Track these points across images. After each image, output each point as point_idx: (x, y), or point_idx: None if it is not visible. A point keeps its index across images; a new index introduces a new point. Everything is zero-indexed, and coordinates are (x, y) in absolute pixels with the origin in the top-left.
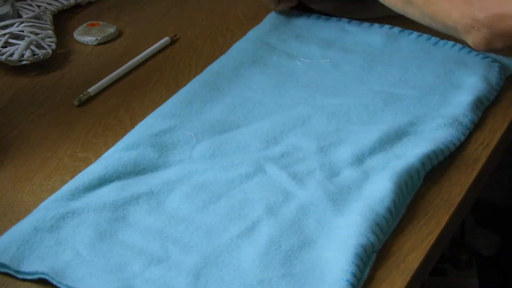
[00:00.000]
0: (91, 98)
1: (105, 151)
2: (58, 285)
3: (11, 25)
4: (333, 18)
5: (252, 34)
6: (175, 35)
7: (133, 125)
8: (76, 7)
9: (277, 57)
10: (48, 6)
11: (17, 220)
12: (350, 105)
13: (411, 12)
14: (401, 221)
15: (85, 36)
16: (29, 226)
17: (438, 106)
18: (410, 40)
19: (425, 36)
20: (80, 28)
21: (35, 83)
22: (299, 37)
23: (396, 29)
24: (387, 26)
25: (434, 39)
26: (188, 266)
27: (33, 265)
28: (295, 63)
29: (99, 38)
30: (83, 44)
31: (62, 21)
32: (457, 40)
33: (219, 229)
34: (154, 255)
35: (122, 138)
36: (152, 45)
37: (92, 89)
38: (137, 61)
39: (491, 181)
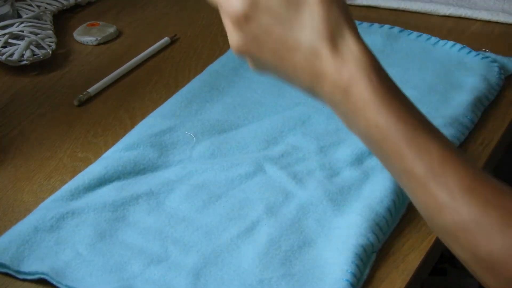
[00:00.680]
0: (91, 98)
1: (105, 151)
2: (58, 285)
3: (11, 25)
4: None
5: None
6: (175, 35)
7: (133, 125)
8: (76, 7)
9: None
10: (48, 6)
11: (17, 220)
12: None
13: None
14: (401, 221)
15: (85, 36)
16: (29, 226)
17: (437, 106)
18: (409, 40)
19: (424, 36)
20: (80, 28)
21: (35, 83)
22: None
23: (396, 29)
24: (386, 26)
25: (434, 39)
26: (188, 266)
27: (33, 265)
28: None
29: (99, 38)
30: (83, 44)
31: (62, 21)
32: (457, 40)
33: (219, 229)
34: (154, 255)
35: (122, 138)
36: (152, 45)
37: (92, 89)
38: (137, 61)
39: None
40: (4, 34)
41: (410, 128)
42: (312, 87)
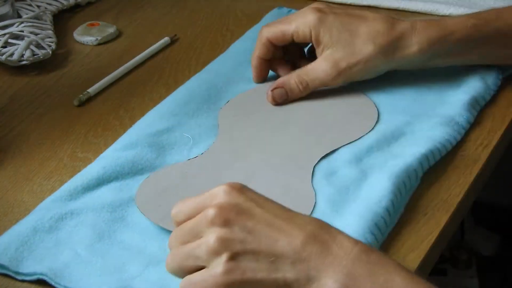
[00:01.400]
0: (91, 98)
1: (103, 152)
2: (57, 285)
3: (11, 25)
4: None
5: (250, 33)
6: (175, 35)
7: (132, 125)
8: (76, 7)
9: None
10: (48, 6)
11: (17, 220)
12: None
13: None
14: (400, 222)
15: (85, 36)
16: (28, 226)
17: (434, 106)
18: None
19: None
20: (80, 28)
21: (35, 83)
22: None
23: None
24: None
25: None
26: None
27: (32, 266)
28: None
29: (99, 38)
30: (83, 44)
31: (62, 21)
32: None
33: None
34: (153, 256)
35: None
36: (152, 45)
37: (92, 89)
38: (137, 61)
39: (491, 181)
40: (4, 34)
41: None
42: None
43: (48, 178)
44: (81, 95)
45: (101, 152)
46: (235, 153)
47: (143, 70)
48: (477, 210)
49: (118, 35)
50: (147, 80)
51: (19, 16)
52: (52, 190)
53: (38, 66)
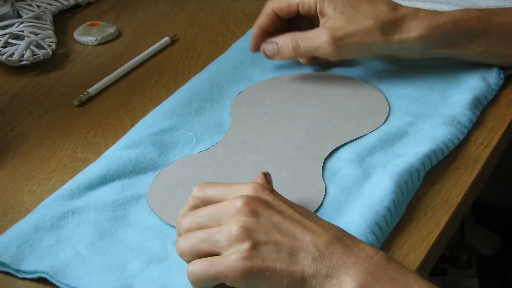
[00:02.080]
0: (91, 98)
1: (105, 151)
2: (58, 284)
3: (11, 25)
4: None
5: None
6: (175, 35)
7: (133, 125)
8: (76, 7)
9: None
10: (48, 6)
11: (17, 220)
12: None
13: None
14: (401, 221)
15: (85, 36)
16: (30, 225)
17: (436, 105)
18: None
19: None
20: (80, 28)
21: (35, 83)
22: None
23: None
24: None
25: None
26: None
27: (33, 264)
28: (294, 62)
29: (99, 38)
30: (83, 44)
31: (62, 21)
32: None
33: None
34: (154, 255)
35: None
36: (152, 45)
37: (92, 89)
38: (137, 61)
39: (491, 181)
40: (4, 34)
41: None
42: None
43: (48, 178)
44: (81, 95)
45: (101, 152)
46: (246, 145)
47: (143, 70)
48: (478, 210)
49: (118, 35)
50: (147, 80)
51: (19, 16)
52: (52, 190)
53: (38, 66)
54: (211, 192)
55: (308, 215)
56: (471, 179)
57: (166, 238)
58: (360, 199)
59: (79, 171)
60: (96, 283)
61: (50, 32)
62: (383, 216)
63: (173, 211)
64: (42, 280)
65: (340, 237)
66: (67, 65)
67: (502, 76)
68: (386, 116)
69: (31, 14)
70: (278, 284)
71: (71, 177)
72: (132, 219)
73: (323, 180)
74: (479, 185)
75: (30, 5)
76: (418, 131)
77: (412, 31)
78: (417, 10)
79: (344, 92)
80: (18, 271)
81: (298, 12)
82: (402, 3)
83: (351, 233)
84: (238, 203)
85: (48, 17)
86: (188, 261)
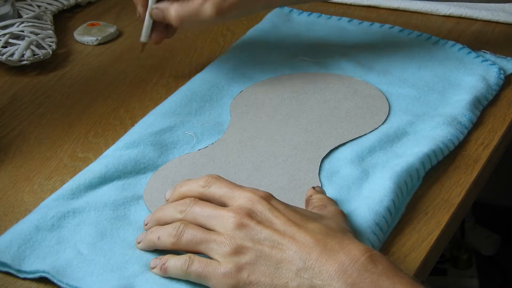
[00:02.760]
0: (90, 98)
1: (106, 151)
2: (59, 283)
3: (12, 25)
4: (333, 17)
5: (252, 33)
6: None
7: (133, 124)
8: (76, 7)
9: (277, 56)
10: (48, 6)
11: (18, 220)
12: None
13: None
14: (401, 221)
15: (85, 36)
16: (30, 225)
17: (436, 105)
18: (409, 40)
19: (425, 35)
20: (80, 28)
21: (35, 83)
22: (299, 36)
23: (396, 28)
24: (387, 26)
25: (434, 38)
26: None
27: (34, 264)
28: (295, 62)
29: (99, 38)
30: (83, 44)
31: (62, 21)
32: (457, 40)
33: None
34: (155, 254)
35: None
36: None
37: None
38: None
39: (491, 181)
40: (5, 34)
41: None
42: None
43: (48, 178)
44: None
45: (102, 152)
46: (244, 144)
47: (143, 70)
48: (478, 210)
49: (118, 35)
50: (148, 80)
51: (20, 16)
52: (53, 190)
53: (39, 66)
54: (215, 191)
55: (303, 220)
56: (471, 179)
57: None
58: (359, 199)
59: (80, 171)
60: (97, 282)
61: (51, 32)
62: (383, 216)
63: None
64: (42, 280)
65: (327, 242)
66: (67, 65)
67: (502, 76)
68: (386, 116)
69: (32, 14)
70: None
71: (71, 177)
72: (132, 218)
73: (321, 179)
74: (479, 185)
75: (31, 5)
76: (418, 131)
77: None
78: None
79: (344, 92)
80: (19, 271)
81: None
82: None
83: None
84: (230, 217)
85: (49, 17)
86: (177, 248)
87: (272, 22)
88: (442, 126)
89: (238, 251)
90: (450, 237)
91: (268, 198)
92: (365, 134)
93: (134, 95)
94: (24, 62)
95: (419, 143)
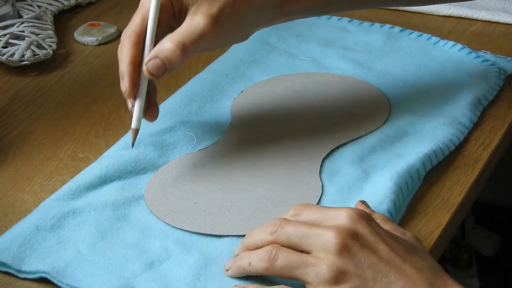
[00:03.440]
0: (91, 99)
1: (106, 151)
2: (59, 284)
3: (12, 25)
4: (334, 18)
5: None
6: None
7: None
8: (76, 7)
9: (277, 56)
10: (49, 6)
11: (18, 220)
12: None
13: None
14: (402, 222)
15: (86, 36)
16: (30, 225)
17: (437, 106)
18: (410, 40)
19: (425, 35)
20: (80, 28)
21: (35, 83)
22: (299, 36)
23: (397, 29)
24: (387, 26)
25: (434, 38)
26: (188, 266)
27: (34, 264)
28: (295, 62)
29: (99, 38)
30: (84, 44)
31: (63, 21)
32: (457, 40)
33: None
34: (155, 255)
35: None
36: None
37: None
38: None
39: (492, 181)
40: (5, 34)
41: None
42: None
43: (48, 178)
44: None
45: (102, 152)
46: (245, 143)
47: None
48: (478, 210)
49: (118, 35)
50: None
51: (20, 16)
52: (53, 190)
53: (39, 66)
54: (307, 218)
55: (404, 251)
56: (472, 179)
57: (167, 238)
58: (360, 199)
59: (80, 171)
60: (97, 283)
61: (51, 32)
62: None
63: (169, 209)
64: (42, 280)
65: (434, 281)
66: (67, 65)
67: (502, 76)
68: (386, 116)
69: (32, 14)
70: None
71: (71, 177)
72: (132, 219)
73: (322, 180)
74: (480, 185)
75: (31, 5)
76: (418, 131)
77: None
78: None
79: (345, 92)
80: (19, 271)
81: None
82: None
83: None
84: (331, 237)
85: (49, 17)
86: (271, 274)
87: None
88: (442, 126)
89: (339, 278)
90: (450, 237)
91: (367, 218)
92: (366, 134)
93: None
94: (25, 63)
95: (420, 143)
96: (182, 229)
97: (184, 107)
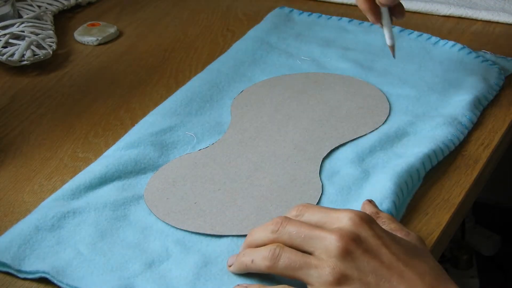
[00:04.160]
0: (91, 99)
1: (106, 151)
2: (60, 284)
3: (12, 25)
4: (334, 17)
5: (252, 33)
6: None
7: (133, 125)
8: (76, 7)
9: (277, 56)
10: (49, 6)
11: (18, 220)
12: None
13: None
14: (402, 222)
15: (86, 36)
16: (30, 225)
17: (437, 106)
18: (410, 40)
19: (425, 35)
20: (80, 28)
21: (35, 83)
22: (299, 36)
23: (397, 29)
24: None
25: (434, 38)
26: (188, 266)
27: (34, 264)
28: (295, 62)
29: (99, 38)
30: (84, 44)
31: (63, 21)
32: (457, 40)
33: None
34: (155, 254)
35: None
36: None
37: None
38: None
39: (492, 181)
40: (5, 34)
41: None
42: None
43: (48, 178)
44: None
45: (102, 152)
46: (245, 144)
47: (143, 70)
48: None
49: (118, 35)
50: (148, 80)
51: (20, 16)
52: (53, 190)
53: (39, 66)
54: (309, 219)
55: (407, 255)
56: (472, 179)
57: (167, 238)
58: (360, 199)
59: (80, 171)
60: (97, 283)
61: (51, 32)
62: None
63: (169, 209)
64: (42, 280)
65: (435, 286)
66: (67, 65)
67: (502, 76)
68: (386, 116)
69: (32, 14)
70: None
71: (71, 177)
72: (132, 219)
73: (321, 179)
74: (480, 185)
75: (31, 5)
76: (418, 131)
77: None
78: None
79: (345, 92)
80: (19, 271)
81: None
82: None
83: None
84: (334, 240)
85: (49, 17)
86: (273, 272)
87: (272, 22)
88: (442, 126)
89: (341, 281)
90: (450, 237)
91: (370, 221)
92: (366, 134)
93: (134, 95)
94: (25, 62)
95: (420, 143)
96: (182, 229)
97: (184, 107)
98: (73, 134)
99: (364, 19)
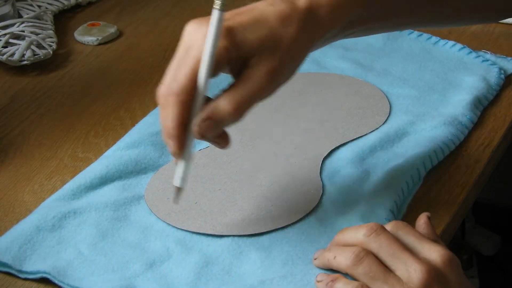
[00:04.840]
0: (91, 99)
1: (106, 151)
2: (60, 284)
3: (12, 25)
4: None
5: None
6: None
7: (133, 125)
8: (76, 7)
9: None
10: (49, 6)
11: (18, 220)
12: None
13: None
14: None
15: (86, 36)
16: (31, 225)
17: (437, 106)
18: (410, 40)
19: (425, 35)
20: (80, 28)
21: (35, 83)
22: None
23: None
24: None
25: (434, 38)
26: (189, 266)
27: (35, 264)
28: None
29: (99, 38)
30: (84, 44)
31: (63, 21)
32: (457, 40)
33: None
34: (156, 254)
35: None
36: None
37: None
38: None
39: (492, 181)
40: (5, 34)
41: None
42: None
43: (49, 178)
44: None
45: (102, 152)
46: (245, 143)
47: (144, 70)
48: (478, 210)
49: (119, 35)
50: (148, 80)
51: (20, 16)
52: (53, 190)
53: (39, 66)
54: (403, 237)
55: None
56: (472, 179)
57: (168, 238)
58: (360, 199)
59: (80, 171)
60: (98, 283)
61: (51, 32)
62: (385, 218)
63: (170, 209)
64: (43, 280)
65: None
66: (67, 65)
67: (502, 76)
68: (387, 116)
69: (32, 14)
70: None
71: (71, 177)
72: (133, 219)
73: (322, 179)
74: (480, 185)
75: (31, 5)
76: (418, 131)
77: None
78: None
79: (345, 92)
80: (20, 271)
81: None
82: None
83: None
84: (419, 271)
85: (49, 17)
86: (350, 273)
87: None
88: (442, 126)
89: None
90: (450, 237)
91: (458, 265)
92: (366, 134)
93: (134, 95)
94: (25, 62)
95: (420, 143)
96: (182, 229)
97: None
98: (73, 134)
99: None
